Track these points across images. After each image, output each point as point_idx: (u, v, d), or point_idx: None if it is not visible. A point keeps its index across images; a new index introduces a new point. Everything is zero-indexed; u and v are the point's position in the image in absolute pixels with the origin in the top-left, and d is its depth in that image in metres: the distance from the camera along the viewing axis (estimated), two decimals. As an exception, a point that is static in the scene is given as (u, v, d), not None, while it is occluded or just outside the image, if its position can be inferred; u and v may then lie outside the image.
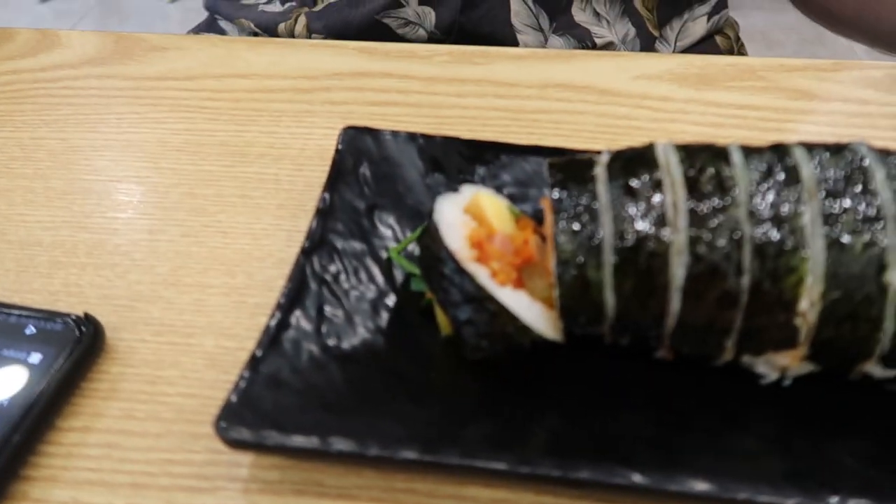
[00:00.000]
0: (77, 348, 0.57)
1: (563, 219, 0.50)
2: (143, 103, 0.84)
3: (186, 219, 0.71)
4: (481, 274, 0.50)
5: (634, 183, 0.49)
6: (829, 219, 0.46)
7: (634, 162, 0.51)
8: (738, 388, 0.52)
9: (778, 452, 0.47)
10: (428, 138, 0.71)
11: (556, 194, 0.51)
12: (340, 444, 0.47)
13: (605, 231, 0.49)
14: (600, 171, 0.51)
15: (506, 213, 0.57)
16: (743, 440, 0.49)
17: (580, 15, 1.00)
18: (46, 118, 0.82)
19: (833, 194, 0.46)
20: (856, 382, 0.51)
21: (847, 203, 0.46)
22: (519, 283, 0.53)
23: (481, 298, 0.50)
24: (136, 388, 0.57)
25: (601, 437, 0.49)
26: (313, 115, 0.82)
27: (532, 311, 0.51)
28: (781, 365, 0.49)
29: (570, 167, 0.53)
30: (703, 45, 1.10)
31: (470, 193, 0.57)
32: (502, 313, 0.50)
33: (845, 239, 0.45)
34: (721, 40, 1.13)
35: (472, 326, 0.51)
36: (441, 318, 0.56)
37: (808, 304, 0.46)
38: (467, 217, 0.54)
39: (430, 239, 0.53)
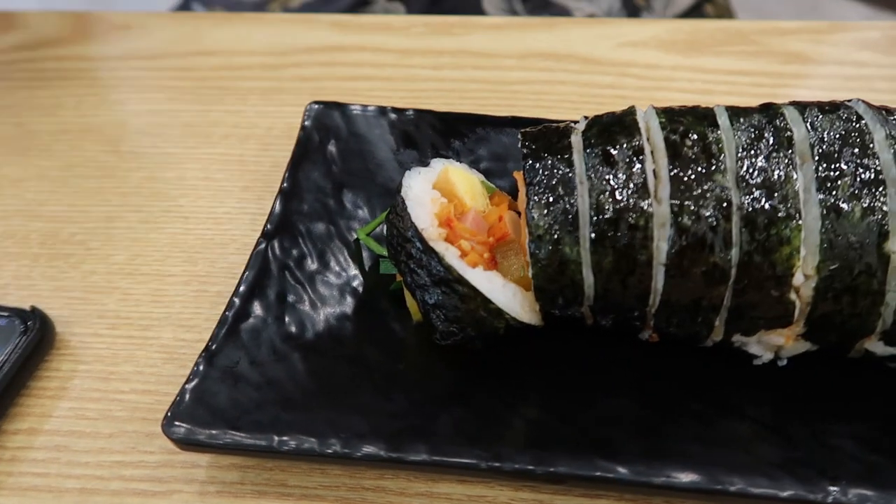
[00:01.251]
0: (23, 345, 0.53)
1: (535, 192, 0.46)
2: (104, 84, 0.80)
3: (146, 204, 0.67)
4: (450, 254, 0.46)
5: (613, 150, 0.45)
6: (824, 184, 0.42)
7: (612, 128, 0.46)
8: (729, 370, 0.48)
9: (773, 439, 0.44)
10: (399, 112, 0.67)
11: (528, 165, 0.47)
12: (298, 441, 0.44)
13: (582, 203, 0.45)
14: (576, 140, 0.47)
15: (478, 188, 0.53)
16: (736, 426, 0.45)
17: None
18: (1, 103, 0.78)
19: (828, 157, 0.42)
20: (856, 361, 0.47)
21: (844, 166, 0.42)
22: (492, 264, 0.49)
23: (450, 280, 0.46)
24: (88, 385, 0.54)
25: (582, 426, 0.45)
26: (282, 93, 0.78)
27: (506, 293, 0.47)
28: (776, 344, 0.46)
29: (544, 136, 0.49)
30: (693, 15, 1.06)
31: (440, 167, 0.53)
32: (473, 296, 0.46)
33: (842, 205, 0.42)
34: (711, 9, 1.08)
35: (441, 310, 0.47)
36: (411, 302, 0.52)
37: (803, 277, 0.42)
38: (437, 193, 0.50)
39: (397, 216, 0.49)
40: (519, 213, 0.52)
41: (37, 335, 0.54)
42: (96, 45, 0.85)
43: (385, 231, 0.54)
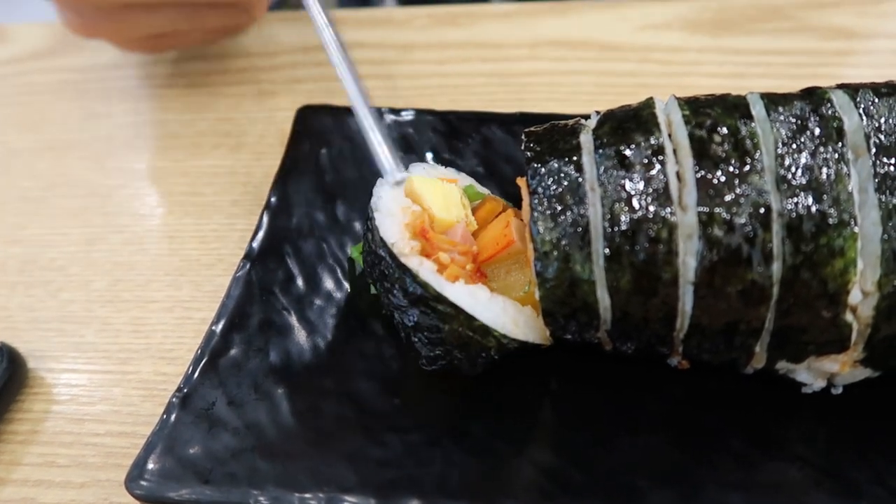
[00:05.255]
0: (-10, 386, 0.49)
1: (540, 201, 0.40)
2: (91, 97, 0.75)
3: (130, 224, 0.62)
4: (425, 269, 0.41)
5: (628, 150, 0.39)
6: (884, 182, 0.35)
7: (628, 124, 0.40)
8: (774, 398, 0.42)
9: (829, 484, 0.37)
10: (397, 113, 0.61)
11: (531, 170, 0.41)
12: (274, 497, 0.38)
13: (594, 214, 0.38)
14: (586, 139, 0.41)
15: (453, 195, 0.47)
16: (784, 469, 0.38)
17: None
18: (-14, 121, 0.74)
19: (888, 150, 0.35)
20: (926, 386, 0.40)
21: (907, 159, 0.35)
22: (477, 276, 0.43)
23: (427, 298, 0.40)
24: (61, 427, 0.49)
25: (601, 472, 0.39)
26: (275, 97, 0.72)
27: (493, 308, 0.41)
28: (829, 371, 0.39)
29: (550, 136, 0.43)
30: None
31: (417, 174, 0.48)
32: (455, 314, 0.40)
33: (907, 207, 0.35)
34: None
35: (422, 332, 0.41)
36: (407, 327, 0.46)
37: (861, 294, 0.35)
38: (409, 202, 0.44)
39: (368, 231, 0.44)
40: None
41: (5, 374, 0.50)
42: (86, 55, 0.81)
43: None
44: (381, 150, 0.50)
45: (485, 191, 0.49)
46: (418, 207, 0.43)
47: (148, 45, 0.71)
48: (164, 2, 0.64)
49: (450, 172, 0.49)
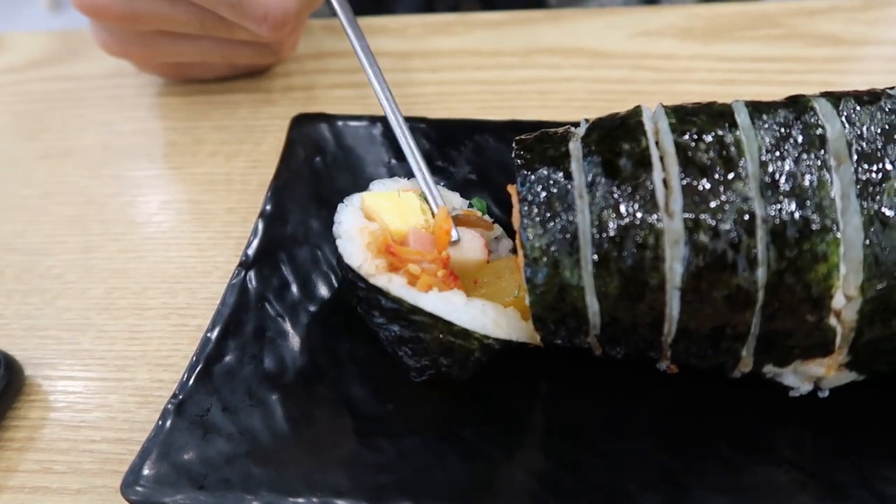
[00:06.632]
0: (-13, 393, 0.49)
1: (530, 208, 0.40)
2: (89, 105, 0.76)
3: (126, 232, 0.63)
4: (396, 284, 0.41)
5: (616, 158, 0.39)
6: (865, 189, 0.36)
7: (616, 132, 0.41)
8: (762, 402, 0.42)
9: (816, 488, 0.38)
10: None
11: (521, 178, 0.41)
12: (267, 501, 0.39)
13: (582, 220, 0.39)
14: (575, 147, 0.42)
15: (410, 204, 0.47)
16: (771, 473, 0.39)
17: None
18: (-16, 130, 0.75)
19: (869, 157, 0.36)
20: (911, 389, 0.41)
21: (889, 167, 0.36)
22: (450, 280, 0.43)
23: (403, 312, 0.41)
24: (58, 434, 0.50)
25: (591, 476, 0.40)
26: (272, 104, 0.73)
27: (471, 311, 0.41)
28: (815, 375, 0.39)
29: (540, 144, 0.43)
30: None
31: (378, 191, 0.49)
32: (433, 322, 0.41)
33: (888, 213, 0.35)
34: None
35: (406, 346, 0.42)
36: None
37: (844, 299, 0.36)
38: (366, 221, 0.45)
39: (339, 256, 0.45)
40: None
41: (2, 382, 0.50)
42: (84, 64, 0.81)
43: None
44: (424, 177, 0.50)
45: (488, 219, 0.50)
46: (376, 225, 0.44)
47: (171, 70, 0.73)
48: (202, 34, 0.65)
49: (410, 184, 0.50)
